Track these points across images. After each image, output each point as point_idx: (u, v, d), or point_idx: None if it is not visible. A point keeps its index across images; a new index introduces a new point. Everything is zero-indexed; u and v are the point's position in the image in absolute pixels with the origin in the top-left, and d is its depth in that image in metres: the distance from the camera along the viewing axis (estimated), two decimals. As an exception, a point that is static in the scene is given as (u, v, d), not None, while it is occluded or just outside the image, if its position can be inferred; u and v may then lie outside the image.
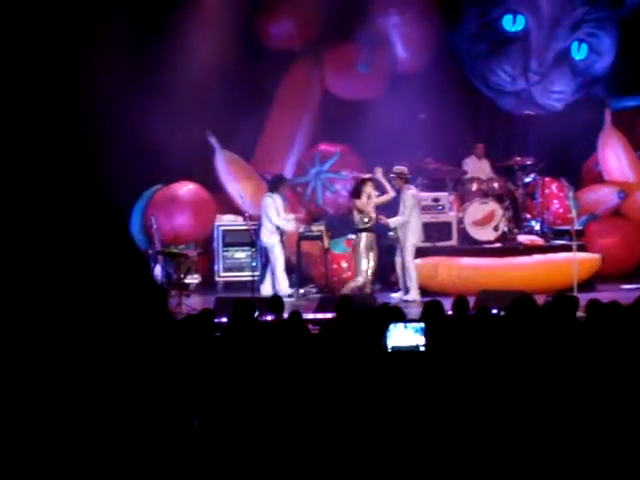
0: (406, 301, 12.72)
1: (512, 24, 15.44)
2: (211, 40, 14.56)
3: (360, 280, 12.74)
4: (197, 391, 6.21)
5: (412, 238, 13.05)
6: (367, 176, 13.23)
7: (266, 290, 13.38)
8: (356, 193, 12.90)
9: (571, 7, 15.23)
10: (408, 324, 7.51)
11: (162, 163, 14.25)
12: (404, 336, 7.33)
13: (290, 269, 13.69)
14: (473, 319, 8.25)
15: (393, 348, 7.24)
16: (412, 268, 13.00)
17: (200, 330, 7.38)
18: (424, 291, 13.06)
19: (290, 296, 13.08)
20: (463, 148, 15.09)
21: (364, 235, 12.70)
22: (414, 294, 12.89)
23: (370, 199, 12.83)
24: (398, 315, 8.09)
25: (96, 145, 13.97)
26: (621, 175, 15.40)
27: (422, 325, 7.46)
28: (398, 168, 13.25)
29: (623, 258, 14.66)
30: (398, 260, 13.26)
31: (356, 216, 12.79)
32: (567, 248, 13.50)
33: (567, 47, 15.42)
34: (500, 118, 16.04)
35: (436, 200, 13.99)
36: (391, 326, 7.33)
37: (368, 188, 12.85)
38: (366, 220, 12.74)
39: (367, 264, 12.74)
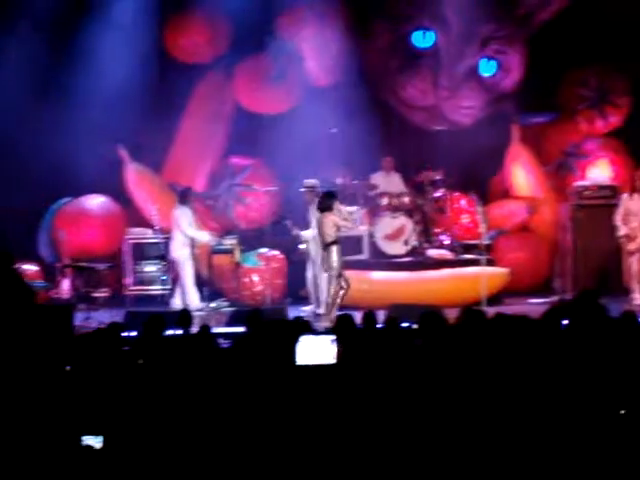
0: (318, 315, 12.74)
1: (422, 40, 15.58)
2: (121, 52, 14.43)
3: (332, 293, 12.51)
4: (104, 404, 6.13)
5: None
6: (331, 190, 13.20)
7: (176, 304, 13.28)
8: (327, 207, 12.71)
9: (480, 24, 15.41)
10: (319, 337, 7.51)
11: (71, 176, 14.07)
12: (315, 349, 7.32)
13: (201, 283, 13.61)
14: (382, 333, 8.27)
15: (303, 361, 7.22)
16: (324, 282, 13.01)
17: (108, 344, 7.28)
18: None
19: (201, 310, 13.01)
20: (374, 162, 15.16)
21: (335, 249, 12.54)
22: (326, 308, 12.90)
23: (340, 212, 12.74)
24: (308, 329, 8.08)
25: (3, 158, 13.78)
26: (529, 190, 15.61)
27: (333, 338, 7.46)
28: (309, 182, 13.27)
29: (531, 272, 14.86)
30: (309, 274, 13.28)
31: (329, 230, 12.54)
32: (476, 262, 13.65)
33: (476, 63, 15.60)
34: (410, 133, 16.15)
35: (350, 214, 14.02)
36: (302, 339, 7.32)
37: (336, 201, 12.77)
38: (336, 234, 12.55)
39: (341, 277, 12.58)
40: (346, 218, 12.70)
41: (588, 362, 7.07)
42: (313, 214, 13.00)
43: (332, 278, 12.41)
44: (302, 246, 13.20)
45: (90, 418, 6.06)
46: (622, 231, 13.20)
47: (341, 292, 12.29)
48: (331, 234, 12.37)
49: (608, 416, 6.24)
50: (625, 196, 13.42)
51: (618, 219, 13.25)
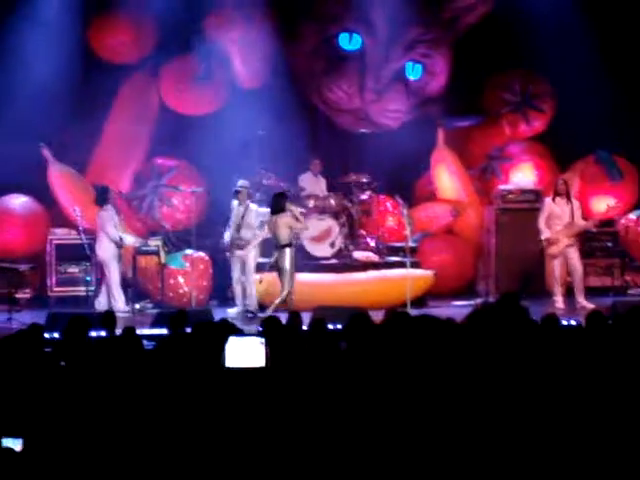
0: (246, 315, 12.80)
1: (349, 43, 15.63)
2: (46, 50, 14.26)
3: (284, 295, 12.60)
4: (24, 406, 6.05)
5: (256, 254, 13.18)
6: (282, 190, 13.18)
7: (101, 305, 13.17)
8: (280, 209, 12.67)
9: (406, 28, 15.50)
10: (247, 338, 7.47)
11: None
12: (243, 352, 7.29)
13: (126, 284, 13.51)
14: (308, 335, 8.28)
15: (231, 364, 7.19)
16: (253, 283, 13.05)
17: (29, 345, 7.18)
18: (262, 307, 13.11)
19: (126, 311, 12.91)
20: (300, 165, 15.17)
21: (288, 250, 12.57)
22: (254, 310, 12.95)
23: (292, 212, 12.75)
24: (235, 331, 8.05)
25: None
26: (454, 193, 15.75)
27: (261, 340, 7.43)
28: (244, 182, 13.29)
29: (455, 275, 14.98)
30: (235, 275, 13.26)
31: (283, 232, 12.56)
32: (401, 265, 13.73)
33: (402, 67, 15.69)
34: (337, 136, 16.21)
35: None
36: (229, 341, 7.28)
37: (288, 202, 12.78)
38: (290, 235, 12.60)
39: (292, 280, 12.60)
40: (298, 218, 12.74)
41: (509, 364, 7.14)
42: (245, 215, 12.99)
43: (284, 280, 12.46)
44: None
45: (10, 420, 5.98)
46: (545, 235, 13.36)
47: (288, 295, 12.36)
48: (285, 236, 12.44)
49: (529, 418, 6.31)
50: (548, 200, 13.57)
51: (541, 223, 13.39)
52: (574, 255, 13.35)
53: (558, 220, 13.32)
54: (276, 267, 12.66)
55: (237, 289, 13.27)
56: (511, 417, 6.26)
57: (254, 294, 13.07)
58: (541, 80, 16.20)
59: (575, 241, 13.36)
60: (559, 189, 13.43)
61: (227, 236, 13.24)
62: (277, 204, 12.73)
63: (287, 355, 7.41)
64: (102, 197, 13.41)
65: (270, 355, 7.21)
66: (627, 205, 15.48)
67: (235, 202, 13.26)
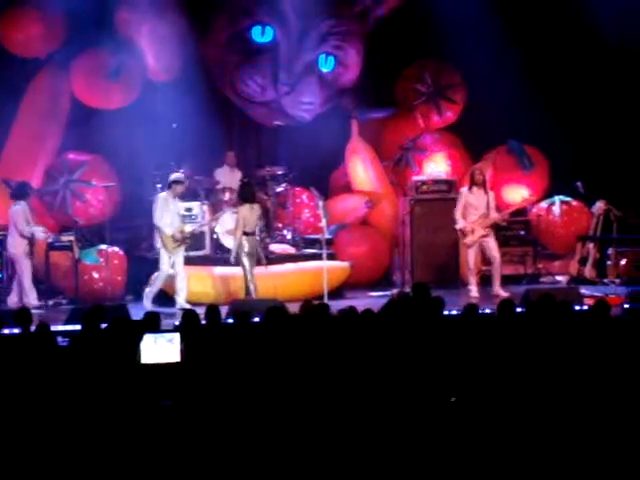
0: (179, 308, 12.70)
1: (261, 35, 15.60)
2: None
3: (252, 287, 12.63)
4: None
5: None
6: (248, 180, 13.36)
7: (13, 302, 12.98)
8: (254, 197, 12.97)
9: (318, 20, 15.52)
10: (163, 335, 7.44)
11: None
12: (159, 348, 7.25)
13: (39, 280, 13.32)
14: (228, 328, 8.27)
15: (147, 360, 7.15)
16: (183, 276, 12.93)
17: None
18: (199, 304, 13.02)
19: (39, 308, 12.74)
20: (215, 158, 15.12)
21: (246, 240, 12.61)
22: (182, 302, 12.88)
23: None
24: (153, 324, 8.01)
25: None
26: (368, 185, 15.83)
27: (176, 336, 7.40)
28: (178, 175, 13.25)
29: (371, 266, 15.06)
30: (165, 267, 13.16)
31: (256, 220, 12.84)
32: (317, 257, 13.76)
33: (315, 59, 15.71)
34: (251, 128, 16.18)
35: (189, 210, 13.96)
36: (145, 337, 7.24)
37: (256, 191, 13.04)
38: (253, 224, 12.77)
39: (252, 269, 12.65)
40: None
41: (424, 353, 7.21)
42: (177, 206, 13.00)
43: (245, 267, 12.58)
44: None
45: None
46: (459, 225, 13.47)
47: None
48: (250, 224, 12.55)
49: (441, 408, 6.38)
50: (465, 190, 13.66)
51: (457, 213, 13.48)
52: (492, 245, 13.47)
53: (474, 210, 13.42)
54: (248, 256, 12.68)
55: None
56: (429, 405, 6.33)
57: (185, 287, 12.98)
58: (452, 71, 16.36)
59: (490, 231, 13.49)
60: (476, 179, 13.52)
61: (169, 230, 12.94)
62: (252, 193, 13.00)
63: (204, 350, 7.39)
64: (21, 192, 13.23)
65: (186, 350, 7.19)
66: (538, 194, 15.70)
67: (164, 194, 13.04)
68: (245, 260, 12.70)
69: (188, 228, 13.21)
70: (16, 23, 14.75)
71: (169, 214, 12.94)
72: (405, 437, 5.94)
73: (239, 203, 12.97)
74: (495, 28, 15.11)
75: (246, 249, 12.70)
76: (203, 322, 8.46)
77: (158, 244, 13.13)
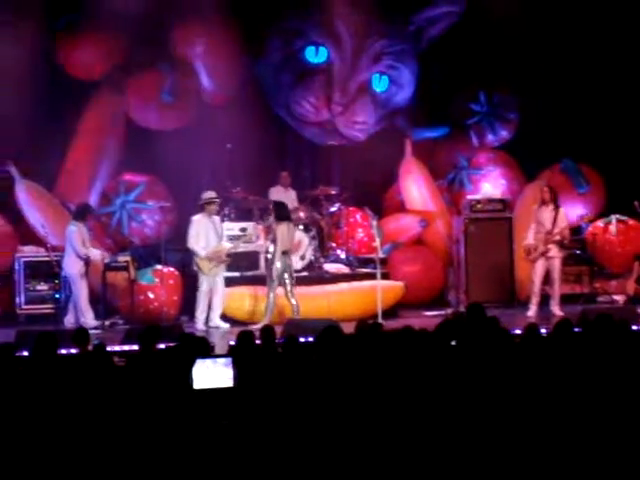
0: (214, 327, 12.84)
1: (315, 55, 15.66)
2: (12, 68, 14.19)
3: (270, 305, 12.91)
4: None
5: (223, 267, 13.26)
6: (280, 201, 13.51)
7: (70, 322, 13.09)
8: (286, 216, 13.12)
9: (371, 40, 15.56)
10: (216, 360, 7.43)
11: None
12: (212, 372, 7.24)
13: (95, 300, 13.43)
14: (281, 349, 8.26)
15: (200, 386, 7.15)
16: (222, 295, 13.11)
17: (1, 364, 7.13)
18: (233, 321, 13.13)
19: (96, 328, 12.84)
20: (269, 178, 15.18)
21: (281, 259, 12.86)
22: (217, 321, 13.11)
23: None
24: (204, 346, 8.02)
25: None
26: (422, 204, 15.78)
27: (230, 359, 7.39)
28: (211, 193, 13.32)
29: (425, 285, 15.01)
30: (205, 287, 13.24)
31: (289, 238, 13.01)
32: (371, 276, 13.73)
33: (368, 79, 15.74)
34: (305, 148, 16.22)
35: (243, 230, 14.02)
36: (198, 362, 7.23)
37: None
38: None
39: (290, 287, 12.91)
40: None
41: (481, 374, 7.16)
42: (218, 226, 13.15)
43: (271, 286, 12.82)
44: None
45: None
46: (525, 241, 13.53)
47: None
48: (286, 243, 12.79)
49: (506, 428, 6.33)
50: (535, 207, 13.69)
51: (530, 230, 13.54)
52: (556, 265, 13.44)
53: (541, 227, 13.43)
54: (279, 276, 12.81)
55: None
56: (488, 425, 6.28)
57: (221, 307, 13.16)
58: (507, 90, 16.29)
59: (554, 248, 13.42)
60: (543, 196, 13.55)
61: (203, 252, 13.08)
62: (287, 212, 13.20)
63: (258, 373, 7.38)
64: (81, 213, 13.36)
65: (239, 376, 7.17)
66: (595, 213, 15.57)
67: (198, 216, 13.18)
68: (275, 279, 12.76)
69: (227, 247, 13.27)
70: (74, 46, 14.91)
71: (204, 236, 13.07)
72: (466, 456, 5.90)
73: (276, 222, 12.99)
74: (550, 47, 15.05)
75: (279, 267, 12.76)
76: (258, 342, 8.47)
77: (194, 266, 13.23)
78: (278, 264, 12.80)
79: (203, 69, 15.17)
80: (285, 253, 12.87)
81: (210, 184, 13.99)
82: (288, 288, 12.84)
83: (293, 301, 12.80)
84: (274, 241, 12.88)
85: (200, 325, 12.98)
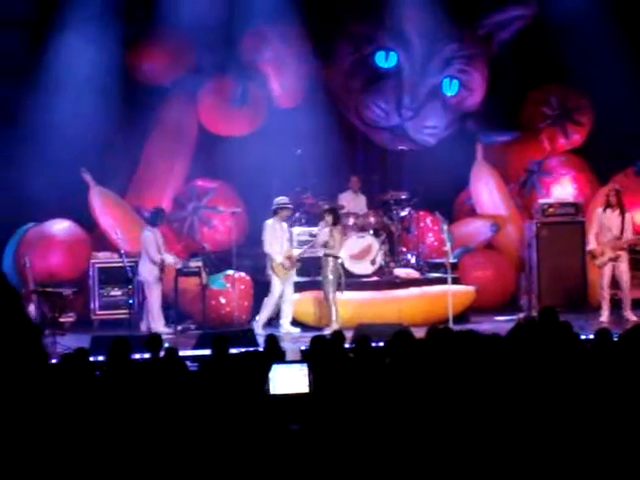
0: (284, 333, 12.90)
1: (385, 60, 15.66)
2: (86, 75, 14.41)
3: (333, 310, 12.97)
4: (77, 430, 6.09)
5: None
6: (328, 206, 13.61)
7: (145, 327, 13.23)
8: (339, 221, 13.29)
9: (442, 44, 15.52)
10: (291, 365, 7.46)
11: (34, 201, 14.02)
12: (287, 378, 7.27)
13: (168, 305, 13.56)
14: (353, 352, 8.27)
15: (276, 391, 7.18)
16: (292, 301, 13.21)
17: (76, 369, 7.23)
18: (303, 325, 13.18)
19: (168, 333, 12.96)
20: (339, 183, 15.21)
21: (334, 262, 13.03)
22: (288, 327, 13.17)
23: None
24: (277, 351, 8.06)
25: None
26: (493, 208, 15.69)
27: (305, 365, 7.41)
28: (284, 198, 13.40)
29: (497, 290, 14.92)
30: (277, 292, 13.34)
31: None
32: (442, 281, 13.68)
33: (439, 83, 15.69)
34: (375, 153, 16.23)
35: (313, 235, 14.06)
36: (273, 367, 7.27)
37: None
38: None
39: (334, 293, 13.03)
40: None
41: (555, 379, 7.10)
42: (286, 231, 13.26)
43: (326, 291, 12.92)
44: None
45: (61, 442, 6.02)
46: (590, 246, 13.34)
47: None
48: (339, 247, 13.07)
49: (575, 434, 6.26)
50: (599, 211, 13.49)
51: (591, 234, 13.36)
52: (623, 268, 13.25)
53: (607, 231, 13.23)
54: (331, 280, 12.88)
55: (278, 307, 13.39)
56: (560, 432, 6.22)
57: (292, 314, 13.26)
58: (579, 93, 16.15)
59: (622, 253, 13.25)
60: (610, 200, 13.34)
61: (279, 257, 13.21)
62: (339, 216, 13.30)
63: (333, 378, 7.39)
64: (155, 219, 13.51)
65: (314, 380, 7.19)
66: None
67: (271, 221, 13.28)
68: (330, 284, 12.80)
69: (296, 252, 13.34)
70: (145, 53, 15.09)
71: (277, 241, 13.15)
72: (549, 462, 5.86)
73: (333, 225, 13.06)
74: (622, 49, 14.88)
75: (330, 271, 12.80)
76: (330, 348, 8.48)
77: (269, 270, 13.31)
78: (332, 269, 12.85)
79: (273, 74, 15.24)
80: (337, 258, 12.92)
81: (280, 189, 14.06)
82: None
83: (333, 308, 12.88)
84: (327, 245, 12.94)
85: (260, 329, 12.99)
